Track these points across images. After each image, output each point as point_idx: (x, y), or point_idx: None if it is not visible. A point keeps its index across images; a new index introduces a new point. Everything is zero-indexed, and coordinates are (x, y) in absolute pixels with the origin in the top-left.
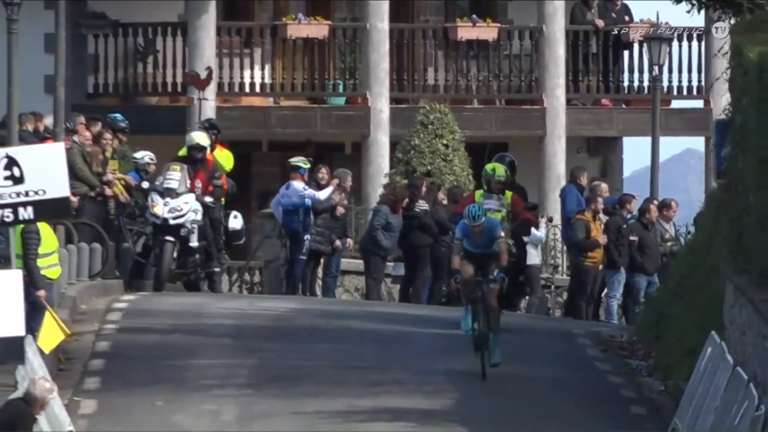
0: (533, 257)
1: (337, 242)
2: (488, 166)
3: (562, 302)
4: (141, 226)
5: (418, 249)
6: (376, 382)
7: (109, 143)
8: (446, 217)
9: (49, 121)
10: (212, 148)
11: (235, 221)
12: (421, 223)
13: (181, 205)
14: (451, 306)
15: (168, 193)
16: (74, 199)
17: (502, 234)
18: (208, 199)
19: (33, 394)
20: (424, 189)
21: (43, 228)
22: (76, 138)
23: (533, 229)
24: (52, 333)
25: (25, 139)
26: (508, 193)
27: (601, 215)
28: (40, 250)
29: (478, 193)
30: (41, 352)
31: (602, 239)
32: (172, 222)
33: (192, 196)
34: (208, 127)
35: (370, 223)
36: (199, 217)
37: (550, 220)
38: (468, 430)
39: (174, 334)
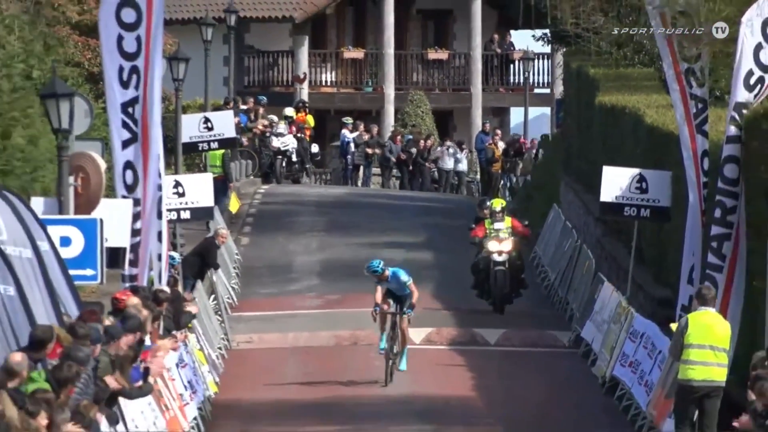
0: (464, 165)
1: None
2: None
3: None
4: (269, 151)
5: (402, 165)
6: (388, 228)
7: (258, 112)
8: (425, 156)
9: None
10: (304, 113)
11: (314, 148)
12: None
13: (286, 140)
14: (427, 191)
15: (278, 135)
16: (239, 137)
17: (406, 280)
18: (299, 136)
19: (217, 234)
20: (428, 142)
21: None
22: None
23: (459, 155)
24: (235, 203)
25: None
26: (508, 219)
27: (500, 144)
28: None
29: (488, 221)
30: (223, 213)
31: (499, 157)
32: (282, 148)
33: (290, 136)
34: (301, 105)
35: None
36: (295, 145)
37: (470, 151)
38: (432, 252)
39: (287, 205)
